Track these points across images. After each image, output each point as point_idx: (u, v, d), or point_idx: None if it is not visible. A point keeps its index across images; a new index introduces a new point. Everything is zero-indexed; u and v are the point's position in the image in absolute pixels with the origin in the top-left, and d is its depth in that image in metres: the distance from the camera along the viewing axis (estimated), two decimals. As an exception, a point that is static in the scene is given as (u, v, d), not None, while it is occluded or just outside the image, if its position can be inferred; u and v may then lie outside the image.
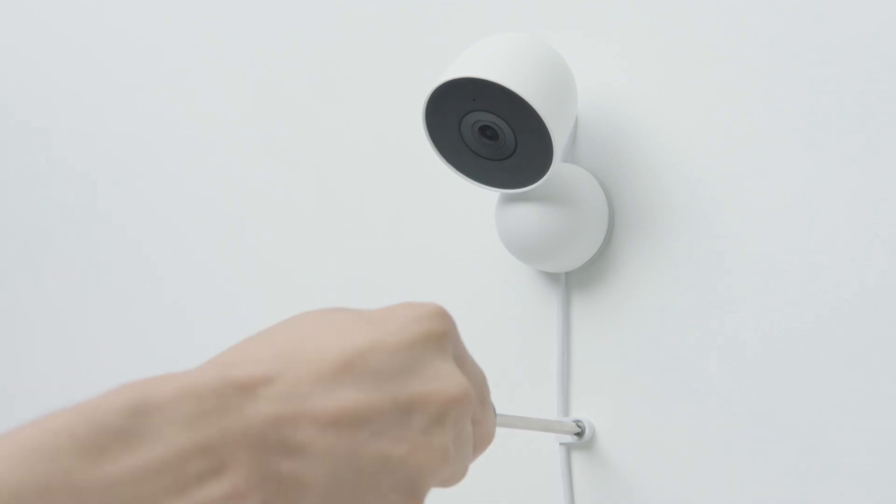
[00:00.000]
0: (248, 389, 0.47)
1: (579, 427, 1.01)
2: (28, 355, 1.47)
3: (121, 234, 1.39)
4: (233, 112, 1.30)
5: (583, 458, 1.02)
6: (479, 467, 1.10)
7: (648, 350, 0.99)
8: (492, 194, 1.04)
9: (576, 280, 1.04)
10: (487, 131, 0.93)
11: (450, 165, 0.96)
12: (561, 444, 1.03)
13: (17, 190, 1.50)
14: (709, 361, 0.96)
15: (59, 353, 1.44)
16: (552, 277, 1.05)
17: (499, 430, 1.11)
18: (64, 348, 1.43)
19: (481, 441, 0.61)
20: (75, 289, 1.42)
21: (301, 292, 1.23)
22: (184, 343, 1.32)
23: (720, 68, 0.97)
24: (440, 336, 0.55)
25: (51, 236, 1.45)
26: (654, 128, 1.00)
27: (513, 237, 0.99)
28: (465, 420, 0.56)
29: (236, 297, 1.28)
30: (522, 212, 0.97)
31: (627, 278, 1.01)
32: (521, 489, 1.06)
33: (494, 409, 0.64)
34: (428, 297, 1.14)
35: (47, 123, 1.47)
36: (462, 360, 0.59)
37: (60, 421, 0.43)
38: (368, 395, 0.50)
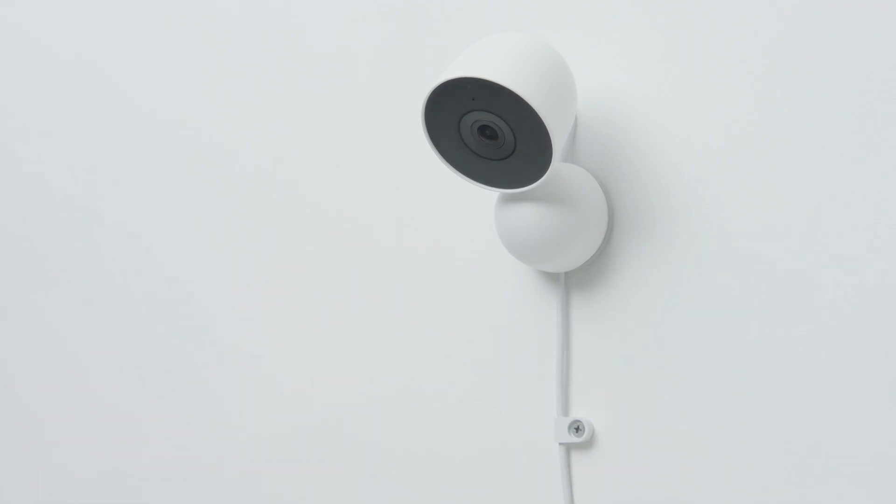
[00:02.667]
0: None
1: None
2: (30, 355, 1.47)
3: (121, 233, 1.39)
4: (232, 112, 1.30)
5: (582, 457, 1.02)
6: (480, 467, 1.10)
7: (648, 350, 0.99)
8: (491, 194, 1.04)
9: (575, 280, 1.04)
10: (487, 131, 0.93)
11: (449, 165, 0.96)
12: (561, 443, 1.03)
13: (18, 189, 1.50)
14: (708, 361, 0.96)
15: (62, 353, 1.44)
16: (552, 277, 1.05)
17: (497, 429, 1.12)
18: (66, 348, 1.43)
19: None
20: (77, 287, 1.42)
21: (301, 292, 1.23)
22: (184, 342, 1.32)
23: (720, 68, 0.97)
24: None
25: (52, 237, 1.45)
26: (654, 128, 1.00)
27: (512, 237, 0.99)
28: None
29: (236, 296, 1.28)
30: (522, 212, 0.97)
31: (627, 278, 1.01)
32: (521, 489, 1.06)
33: None
34: (427, 296, 1.14)
35: (47, 123, 1.47)
36: None
37: None
38: None
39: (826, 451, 0.91)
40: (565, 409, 1.03)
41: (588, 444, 1.02)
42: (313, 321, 1.21)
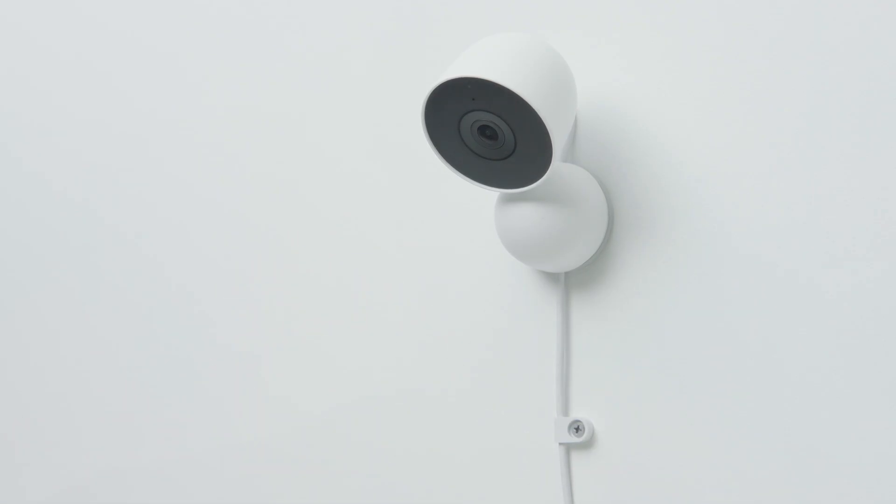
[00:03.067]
0: None
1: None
2: (30, 356, 1.47)
3: (121, 233, 1.39)
4: (232, 112, 1.30)
5: (582, 457, 1.02)
6: (480, 467, 1.10)
7: (648, 350, 0.99)
8: (491, 194, 1.04)
9: (575, 280, 1.04)
10: (487, 131, 0.93)
11: (449, 165, 0.96)
12: (561, 443, 1.03)
13: (18, 189, 1.50)
14: (708, 361, 0.96)
15: (62, 353, 1.44)
16: (552, 277, 1.05)
17: (497, 429, 1.12)
18: (66, 349, 1.43)
19: None
20: (77, 287, 1.42)
21: (301, 292, 1.23)
22: (184, 343, 1.32)
23: (720, 68, 0.97)
24: None
25: (51, 237, 1.45)
26: (654, 128, 1.00)
27: (512, 237, 0.99)
28: None
29: (236, 297, 1.28)
30: (522, 212, 0.97)
31: (627, 278, 1.01)
32: (521, 489, 1.06)
33: None
34: (427, 296, 1.14)
35: (47, 123, 1.47)
36: None
37: None
38: None
39: (826, 451, 0.91)
40: (565, 409, 1.03)
41: (588, 444, 1.02)
42: (313, 321, 1.21)
